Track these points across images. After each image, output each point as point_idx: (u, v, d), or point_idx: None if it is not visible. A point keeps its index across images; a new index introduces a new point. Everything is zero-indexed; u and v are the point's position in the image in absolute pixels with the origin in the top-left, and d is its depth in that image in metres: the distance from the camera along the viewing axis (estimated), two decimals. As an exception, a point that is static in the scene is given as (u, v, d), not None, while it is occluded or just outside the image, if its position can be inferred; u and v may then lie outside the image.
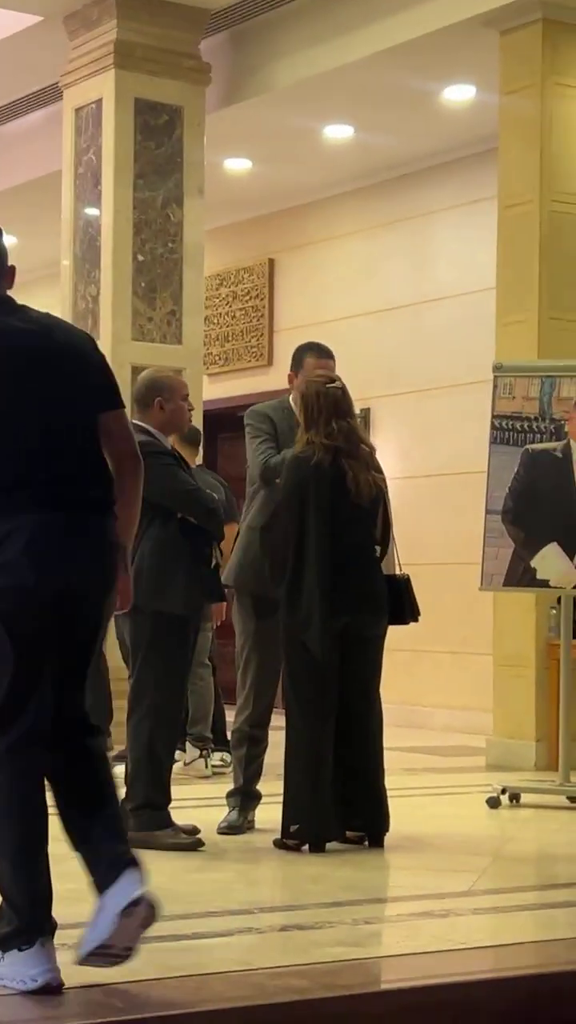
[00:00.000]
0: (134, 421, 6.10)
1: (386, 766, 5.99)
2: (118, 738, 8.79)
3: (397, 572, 6.02)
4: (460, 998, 3.83)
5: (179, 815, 5.94)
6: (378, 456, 6.08)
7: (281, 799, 5.82)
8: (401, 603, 5.97)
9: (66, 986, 3.64)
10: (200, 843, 5.78)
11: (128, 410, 8.89)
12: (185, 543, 5.84)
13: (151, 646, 5.80)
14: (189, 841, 5.79)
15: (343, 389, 5.97)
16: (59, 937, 4.17)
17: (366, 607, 5.85)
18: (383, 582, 5.92)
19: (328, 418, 5.86)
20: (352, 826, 5.90)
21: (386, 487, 5.99)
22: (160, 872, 5.28)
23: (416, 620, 6.03)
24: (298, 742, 5.79)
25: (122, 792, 5.87)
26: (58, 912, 4.52)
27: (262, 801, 6.23)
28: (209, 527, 5.93)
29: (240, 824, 6.16)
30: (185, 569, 5.81)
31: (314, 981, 3.78)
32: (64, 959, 3.93)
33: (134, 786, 5.81)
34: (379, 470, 5.97)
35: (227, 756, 7.85)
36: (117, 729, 8.85)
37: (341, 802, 5.82)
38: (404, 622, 6.00)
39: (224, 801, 6.28)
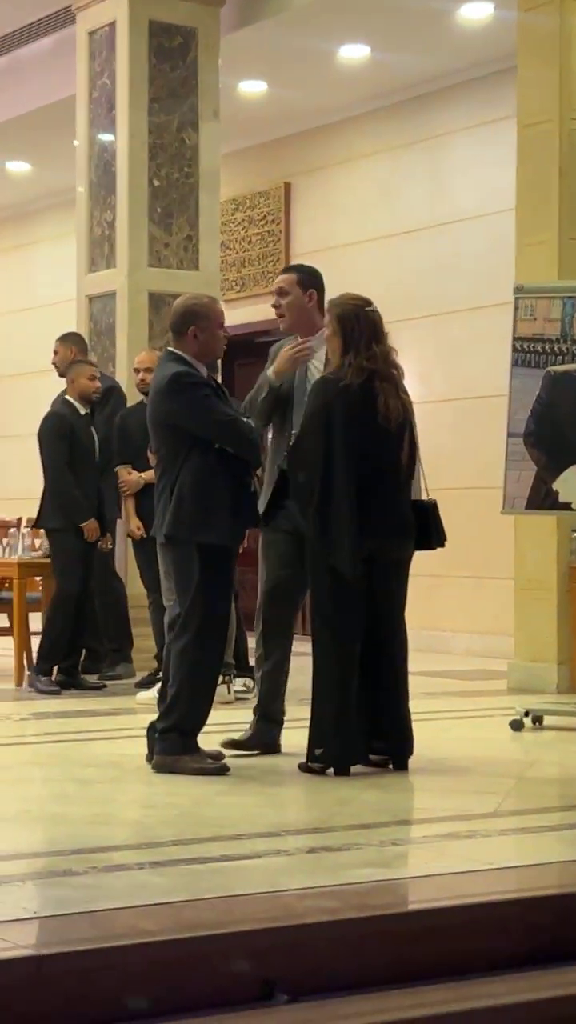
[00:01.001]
0: (169, 349, 6.07)
1: (410, 690, 6.00)
2: (140, 664, 8.88)
3: (424, 497, 6.00)
4: (487, 917, 3.85)
5: (203, 740, 5.96)
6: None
7: (307, 723, 5.84)
8: (427, 528, 5.95)
9: (95, 909, 3.67)
10: (225, 768, 5.80)
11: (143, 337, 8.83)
12: (225, 473, 5.82)
13: (195, 575, 5.79)
14: (215, 766, 5.81)
15: (378, 312, 5.93)
16: (87, 861, 4.21)
17: (393, 531, 5.84)
18: (410, 506, 5.91)
19: (369, 341, 5.83)
20: (376, 749, 5.92)
21: (413, 411, 5.96)
22: (186, 796, 5.34)
23: (442, 545, 6.01)
24: (324, 666, 5.79)
25: (150, 717, 5.93)
26: (82, 835, 4.57)
27: (287, 726, 6.25)
28: (248, 457, 5.91)
29: (243, 741, 6.18)
30: (227, 499, 5.80)
31: (343, 902, 3.81)
32: (84, 883, 3.98)
33: (170, 707, 5.82)
34: (407, 394, 5.95)
35: (249, 682, 7.89)
36: (138, 656, 8.95)
37: (366, 725, 5.84)
38: (431, 547, 5.98)
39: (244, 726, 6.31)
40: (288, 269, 6.65)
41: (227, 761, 5.88)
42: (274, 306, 6.28)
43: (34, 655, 8.83)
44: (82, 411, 8.78)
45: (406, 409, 5.88)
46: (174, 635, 5.86)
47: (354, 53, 10.80)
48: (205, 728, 5.89)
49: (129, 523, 8.70)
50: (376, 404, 5.77)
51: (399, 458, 5.86)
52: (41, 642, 8.68)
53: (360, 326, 5.84)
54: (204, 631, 5.82)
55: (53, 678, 8.59)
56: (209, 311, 6.01)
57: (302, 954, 3.53)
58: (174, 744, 5.79)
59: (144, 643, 8.81)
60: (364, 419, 5.75)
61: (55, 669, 8.65)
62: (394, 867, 4.39)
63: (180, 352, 5.94)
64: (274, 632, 6.22)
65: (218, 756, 5.94)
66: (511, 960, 3.74)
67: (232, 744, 6.17)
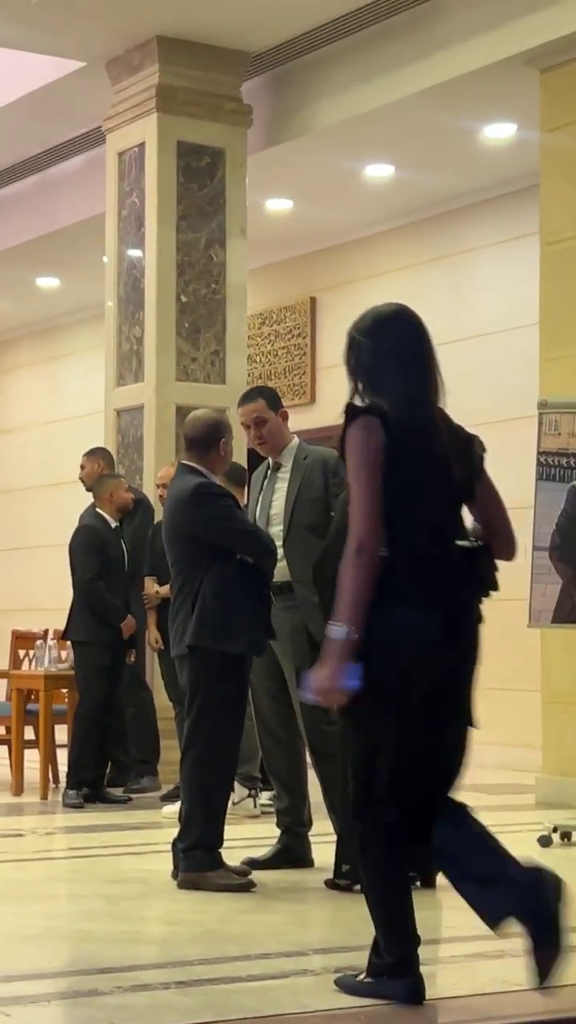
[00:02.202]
0: (184, 462, 6.13)
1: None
2: (166, 777, 8.84)
3: None
4: (517, 1040, 3.81)
5: (228, 855, 5.94)
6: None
7: (332, 839, 5.81)
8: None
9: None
10: (251, 884, 5.77)
11: (171, 450, 8.84)
12: (247, 583, 5.85)
13: (211, 686, 5.80)
14: (240, 882, 5.78)
15: None
16: (113, 981, 4.18)
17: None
18: None
19: None
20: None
21: None
22: (212, 913, 5.30)
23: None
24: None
25: (175, 831, 5.90)
26: (108, 953, 4.53)
27: (313, 841, 6.22)
28: (268, 568, 5.94)
29: None
30: (248, 609, 5.83)
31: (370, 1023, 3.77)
32: (109, 1003, 3.95)
33: (188, 826, 5.81)
34: None
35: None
36: (165, 768, 8.91)
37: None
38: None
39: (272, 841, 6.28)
40: (251, 396, 6.31)
41: (253, 877, 5.84)
42: (256, 437, 6.19)
43: (59, 768, 8.81)
44: (113, 524, 8.85)
45: None
46: (183, 749, 5.86)
47: (379, 172, 10.98)
48: (232, 843, 5.86)
49: (149, 634, 8.74)
50: None
51: None
52: (69, 759, 8.67)
53: None
54: (214, 744, 5.83)
55: (79, 791, 8.56)
56: (229, 426, 6.11)
57: (329, 1077, 3.49)
58: (199, 861, 5.77)
59: (170, 755, 8.76)
60: None
61: (80, 782, 8.62)
62: (422, 987, 4.34)
63: (194, 464, 6.01)
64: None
65: (244, 872, 5.90)
66: None
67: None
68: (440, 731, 3.99)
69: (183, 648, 5.87)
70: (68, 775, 8.63)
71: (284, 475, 6.17)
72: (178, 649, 5.92)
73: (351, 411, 4.01)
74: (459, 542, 4.16)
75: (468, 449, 4.29)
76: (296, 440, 6.27)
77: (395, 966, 3.99)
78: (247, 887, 5.75)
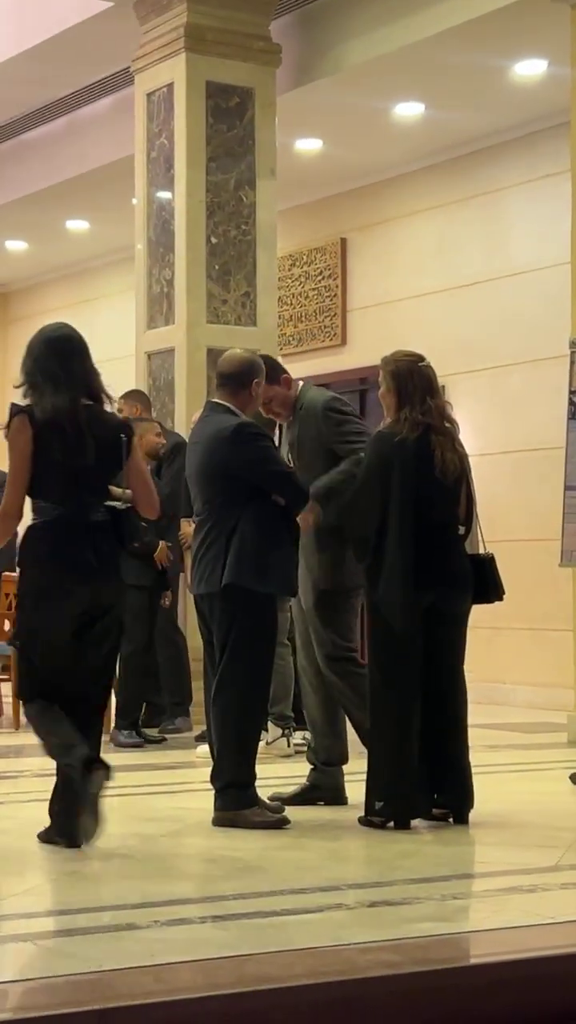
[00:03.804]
0: (213, 400, 6.13)
1: (469, 743, 6.00)
2: (198, 718, 8.90)
3: (481, 551, 6.02)
4: (550, 971, 3.84)
5: (263, 794, 5.99)
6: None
7: (365, 776, 5.85)
8: (485, 582, 5.97)
9: (158, 963, 3.69)
10: (286, 820, 5.82)
11: (202, 393, 8.80)
12: (283, 525, 5.88)
13: (244, 625, 5.84)
14: (275, 819, 5.82)
15: (431, 367, 5.99)
16: (150, 915, 4.23)
17: (450, 584, 5.86)
18: (467, 560, 5.93)
19: (423, 395, 5.87)
20: (437, 803, 5.92)
21: (469, 465, 5.99)
22: (247, 850, 5.35)
23: (501, 599, 6.03)
24: (383, 720, 5.81)
25: (208, 770, 5.96)
26: (145, 889, 4.58)
27: (347, 779, 6.28)
28: (300, 509, 5.96)
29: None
30: (283, 550, 5.86)
31: (404, 956, 3.81)
32: (147, 936, 4.00)
33: (221, 765, 5.85)
34: (462, 447, 5.98)
35: (308, 735, 7.90)
36: (196, 709, 8.97)
37: (426, 779, 5.84)
38: (489, 600, 6.00)
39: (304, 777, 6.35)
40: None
41: (288, 813, 5.89)
42: (268, 412, 6.36)
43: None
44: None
45: (463, 462, 5.92)
46: (216, 688, 5.89)
47: (409, 111, 10.91)
48: (266, 782, 5.90)
49: (186, 577, 8.76)
50: (432, 458, 5.81)
51: (456, 511, 5.89)
52: (117, 700, 8.74)
53: (414, 381, 5.89)
54: (247, 684, 5.86)
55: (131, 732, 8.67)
56: (263, 367, 6.10)
57: (364, 1008, 3.54)
58: (233, 799, 5.81)
59: (202, 696, 8.84)
60: (421, 473, 5.79)
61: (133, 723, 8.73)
62: (455, 921, 4.38)
63: (227, 404, 6.01)
64: None
65: (278, 808, 5.95)
66: (574, 1015, 3.73)
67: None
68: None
69: (214, 586, 5.89)
70: (119, 715, 8.70)
71: (288, 428, 6.34)
72: (208, 587, 5.93)
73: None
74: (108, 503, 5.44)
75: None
76: (299, 388, 6.32)
77: None
78: (281, 823, 5.79)
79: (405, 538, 5.75)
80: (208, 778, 5.95)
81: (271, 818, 5.82)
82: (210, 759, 5.99)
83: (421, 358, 5.97)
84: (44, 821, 5.41)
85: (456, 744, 5.91)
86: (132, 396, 9.65)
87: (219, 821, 5.82)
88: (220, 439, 5.91)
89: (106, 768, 5.22)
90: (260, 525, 5.83)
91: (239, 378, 6.02)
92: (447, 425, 5.93)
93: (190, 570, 6.20)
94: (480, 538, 6.02)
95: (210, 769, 5.94)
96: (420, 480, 5.79)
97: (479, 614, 6.12)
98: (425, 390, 5.89)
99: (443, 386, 11.44)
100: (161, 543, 8.76)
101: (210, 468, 5.97)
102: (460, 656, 5.97)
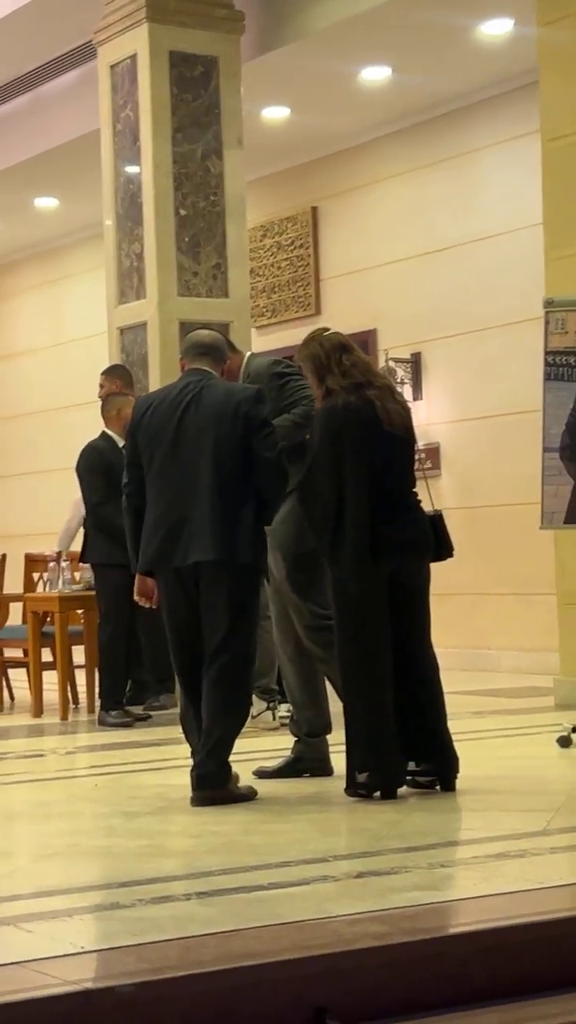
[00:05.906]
0: (202, 368, 6.03)
1: (454, 710, 5.96)
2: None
3: (429, 509, 5.98)
4: (540, 937, 3.80)
5: (247, 767, 5.94)
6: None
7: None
8: (437, 540, 5.91)
9: (143, 942, 3.64)
10: (253, 792, 5.84)
11: (175, 367, 8.83)
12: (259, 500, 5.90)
13: (253, 601, 5.84)
14: (247, 788, 5.83)
15: (338, 332, 5.95)
16: (134, 894, 4.19)
17: (410, 551, 5.80)
18: (427, 524, 5.87)
19: (338, 358, 5.82)
20: (422, 771, 5.87)
21: (411, 416, 5.94)
22: (232, 824, 5.32)
23: (451, 555, 5.93)
24: (355, 691, 5.74)
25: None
26: (130, 867, 4.55)
27: (332, 749, 6.23)
28: (277, 498, 5.98)
29: None
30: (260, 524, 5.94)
31: (393, 926, 3.77)
32: (131, 915, 3.96)
33: (213, 743, 5.82)
34: (402, 397, 5.96)
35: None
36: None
37: (406, 748, 5.79)
38: (440, 558, 5.92)
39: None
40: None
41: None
42: None
43: (77, 689, 8.82)
44: (120, 443, 8.77)
45: (406, 410, 5.88)
46: (208, 662, 5.82)
47: (375, 75, 10.81)
48: (252, 756, 5.87)
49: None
50: (375, 412, 5.75)
51: (411, 473, 5.85)
52: (102, 680, 8.69)
53: (323, 350, 5.84)
54: (247, 660, 5.84)
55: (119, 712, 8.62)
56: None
57: (353, 980, 3.49)
58: (228, 772, 5.78)
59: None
60: (370, 430, 5.72)
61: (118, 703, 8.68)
62: (443, 889, 4.34)
63: (213, 372, 6.02)
64: None
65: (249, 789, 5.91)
66: (566, 980, 3.69)
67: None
68: None
69: (221, 555, 5.78)
70: (104, 696, 8.64)
71: None
72: (218, 554, 5.78)
73: None
74: None
75: None
76: (244, 358, 6.53)
77: None
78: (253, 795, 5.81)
79: (362, 505, 5.68)
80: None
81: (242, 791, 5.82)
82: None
83: (323, 331, 5.97)
84: (24, 802, 5.36)
85: (434, 710, 5.84)
86: (113, 372, 9.61)
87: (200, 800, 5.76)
88: (245, 397, 5.84)
89: None
90: (258, 501, 5.82)
91: (220, 351, 6.08)
92: (377, 379, 5.88)
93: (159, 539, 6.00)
94: (429, 495, 5.96)
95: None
96: (371, 442, 5.71)
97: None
98: (339, 351, 5.83)
99: (418, 352, 11.52)
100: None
101: (226, 432, 5.82)
102: (426, 621, 5.90)
